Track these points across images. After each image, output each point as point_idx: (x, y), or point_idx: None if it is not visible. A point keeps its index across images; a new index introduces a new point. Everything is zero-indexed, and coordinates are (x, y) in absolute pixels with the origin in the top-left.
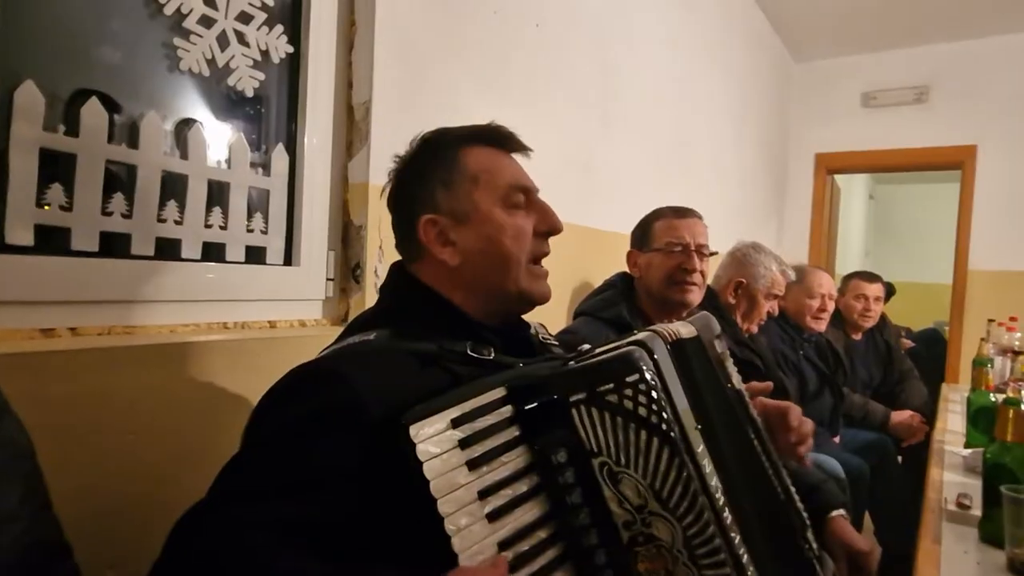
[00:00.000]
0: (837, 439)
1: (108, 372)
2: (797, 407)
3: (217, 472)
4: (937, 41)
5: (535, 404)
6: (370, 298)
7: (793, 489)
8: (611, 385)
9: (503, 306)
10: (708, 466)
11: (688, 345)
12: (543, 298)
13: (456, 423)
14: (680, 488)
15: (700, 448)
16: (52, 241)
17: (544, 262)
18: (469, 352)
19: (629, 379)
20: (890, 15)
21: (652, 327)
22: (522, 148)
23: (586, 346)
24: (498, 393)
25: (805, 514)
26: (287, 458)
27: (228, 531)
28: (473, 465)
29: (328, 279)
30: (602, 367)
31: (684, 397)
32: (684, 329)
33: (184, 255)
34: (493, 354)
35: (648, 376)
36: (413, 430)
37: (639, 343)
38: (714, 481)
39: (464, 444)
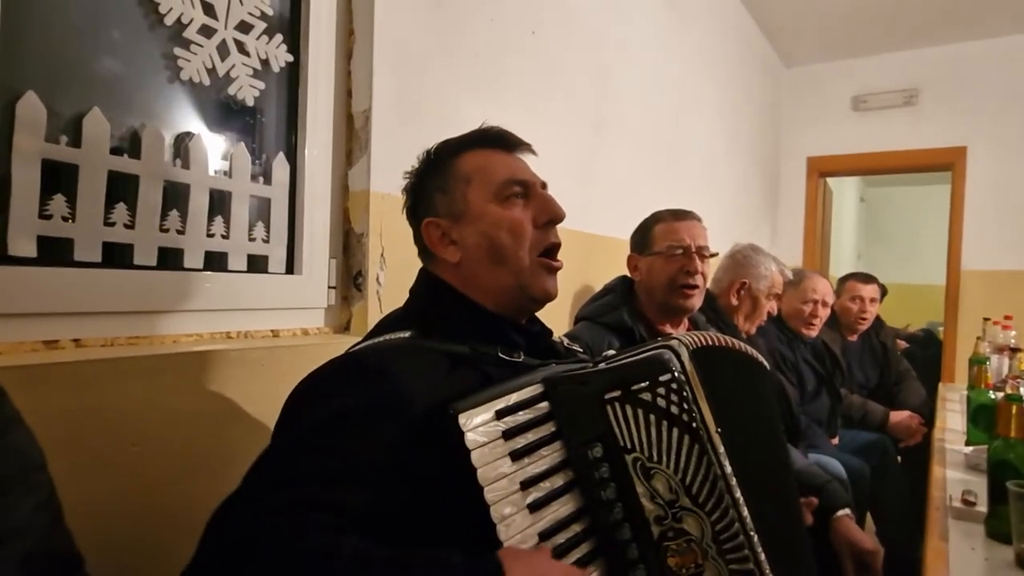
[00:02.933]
0: (835, 440)
1: (112, 383)
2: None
3: (220, 480)
4: (926, 45)
5: (572, 400)
6: (372, 305)
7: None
8: (645, 383)
9: (510, 301)
10: (728, 467)
11: (709, 353)
12: (544, 294)
13: (500, 415)
14: (708, 484)
15: (721, 449)
16: (55, 252)
17: None
18: (500, 355)
19: (662, 378)
20: (879, 19)
21: (676, 335)
22: (520, 145)
23: (611, 352)
24: (536, 389)
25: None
26: (338, 446)
27: (286, 514)
28: (516, 456)
29: (330, 287)
30: (636, 366)
31: (706, 400)
32: (708, 339)
33: (186, 265)
34: (523, 357)
35: (679, 376)
36: (463, 419)
37: (667, 347)
38: (734, 480)
39: (507, 436)
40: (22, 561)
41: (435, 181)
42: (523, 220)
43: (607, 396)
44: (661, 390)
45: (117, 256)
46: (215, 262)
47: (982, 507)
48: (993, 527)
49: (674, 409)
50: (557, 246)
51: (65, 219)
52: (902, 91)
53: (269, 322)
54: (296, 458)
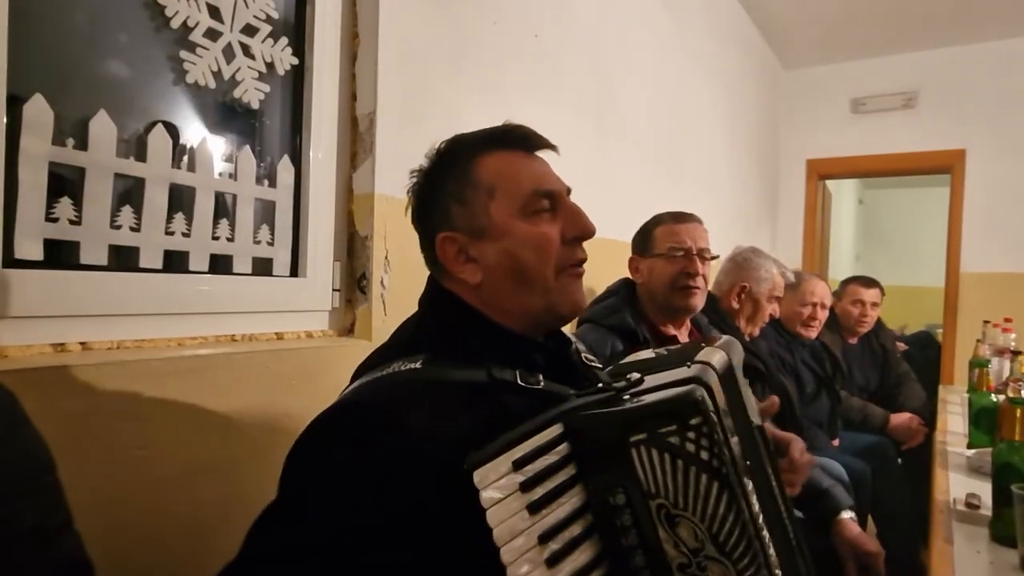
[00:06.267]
0: (836, 442)
1: (119, 386)
2: (800, 441)
3: (226, 483)
4: (924, 48)
5: (594, 443)
6: (376, 308)
7: (800, 534)
8: (674, 427)
9: (535, 322)
10: (756, 506)
11: (730, 379)
12: (574, 310)
13: (517, 465)
14: (737, 532)
15: (750, 487)
16: (61, 255)
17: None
18: (519, 382)
19: (693, 422)
20: (877, 22)
21: (700, 359)
22: (545, 146)
23: (636, 375)
24: (555, 431)
25: (808, 556)
26: (342, 506)
27: None
28: (533, 509)
29: (334, 290)
30: (665, 407)
31: (735, 436)
32: (721, 358)
33: (192, 268)
34: (542, 382)
35: (712, 418)
36: (477, 476)
37: (698, 379)
38: (761, 520)
39: (525, 487)
40: (31, 565)
41: (450, 187)
42: (552, 236)
43: (632, 439)
44: (691, 434)
45: (123, 259)
46: (220, 265)
47: (986, 510)
48: (998, 530)
49: (704, 455)
50: (583, 262)
51: (72, 222)
52: (901, 94)
53: (273, 325)
54: (298, 522)
